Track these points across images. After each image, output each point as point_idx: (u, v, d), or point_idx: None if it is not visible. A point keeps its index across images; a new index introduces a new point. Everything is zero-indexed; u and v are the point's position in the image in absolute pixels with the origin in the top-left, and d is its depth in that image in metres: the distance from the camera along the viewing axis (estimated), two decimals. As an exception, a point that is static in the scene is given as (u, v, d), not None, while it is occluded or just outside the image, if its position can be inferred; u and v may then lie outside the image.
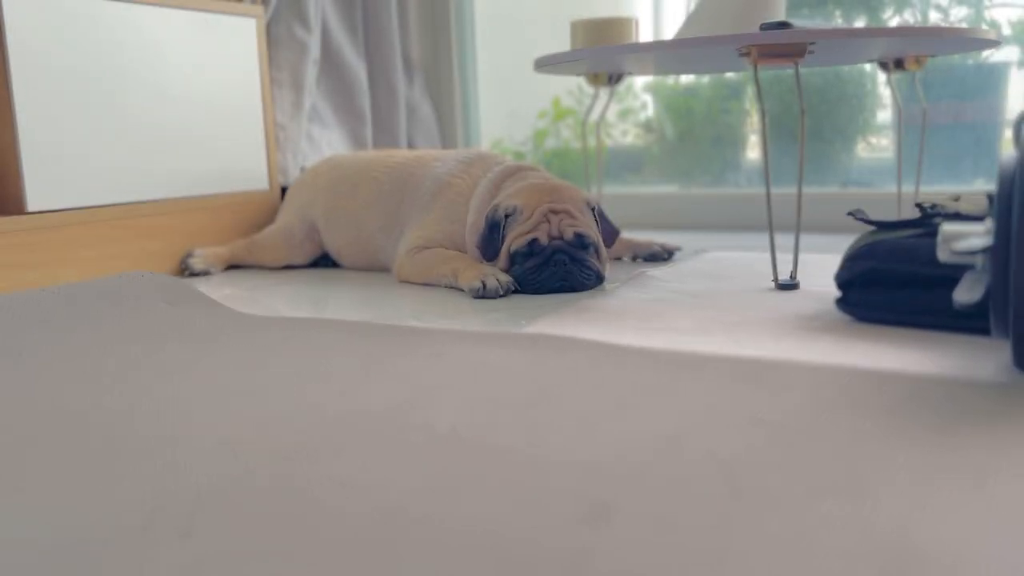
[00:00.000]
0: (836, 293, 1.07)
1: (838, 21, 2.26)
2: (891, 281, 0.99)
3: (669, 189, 2.35)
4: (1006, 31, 2.07)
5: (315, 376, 0.86)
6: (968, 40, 1.32)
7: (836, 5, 2.24)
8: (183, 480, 0.62)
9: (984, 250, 0.78)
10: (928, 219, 1.00)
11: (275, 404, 0.78)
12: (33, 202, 1.41)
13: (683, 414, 0.71)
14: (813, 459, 0.61)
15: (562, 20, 2.63)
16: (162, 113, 1.61)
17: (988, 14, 2.11)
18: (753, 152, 2.28)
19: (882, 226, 1.04)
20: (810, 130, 2.10)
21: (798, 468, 0.60)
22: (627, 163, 2.45)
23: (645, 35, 2.46)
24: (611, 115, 2.39)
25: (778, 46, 1.19)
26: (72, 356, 0.98)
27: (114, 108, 1.53)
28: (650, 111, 2.44)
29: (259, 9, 1.78)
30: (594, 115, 1.76)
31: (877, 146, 2.16)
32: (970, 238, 0.80)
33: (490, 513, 0.55)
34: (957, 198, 1.06)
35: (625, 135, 2.47)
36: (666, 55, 1.33)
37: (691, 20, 1.46)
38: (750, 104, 2.23)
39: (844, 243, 1.28)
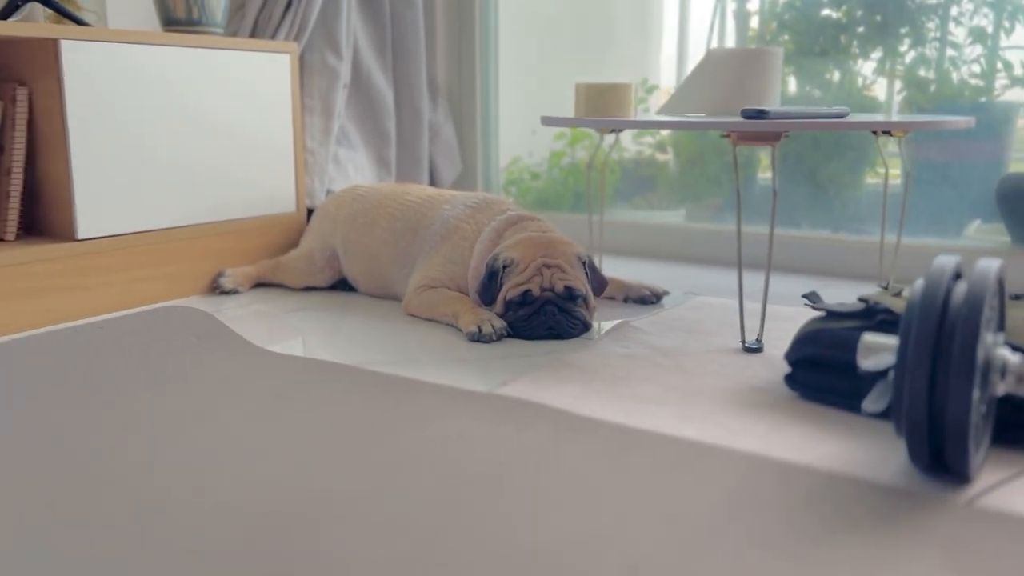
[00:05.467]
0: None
1: (854, 51, 2.33)
2: (831, 367, 1.11)
3: (674, 219, 2.45)
4: (1018, 71, 2.14)
5: (311, 437, 1.02)
6: (943, 123, 1.41)
7: (852, 37, 2.31)
8: (196, 546, 0.77)
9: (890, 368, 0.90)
10: (870, 313, 1.11)
11: (273, 468, 0.93)
12: (83, 230, 1.58)
13: (614, 505, 0.85)
14: (707, 572, 0.75)
15: (584, 33, 2.71)
16: (201, 146, 1.76)
17: (1003, 54, 2.18)
18: (764, 173, 2.37)
19: (830, 314, 1.16)
20: (805, 172, 2.19)
21: None
22: (639, 183, 2.55)
23: (668, 74, 2.56)
24: (625, 139, 2.50)
25: (756, 132, 1.30)
26: (98, 400, 1.14)
27: (157, 143, 1.69)
28: (663, 132, 2.55)
29: (293, 45, 1.91)
30: (600, 151, 1.88)
31: (876, 186, 2.24)
32: (880, 354, 0.92)
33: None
34: (899, 293, 1.17)
35: (640, 154, 2.57)
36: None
37: (688, 83, 1.57)
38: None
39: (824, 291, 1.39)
